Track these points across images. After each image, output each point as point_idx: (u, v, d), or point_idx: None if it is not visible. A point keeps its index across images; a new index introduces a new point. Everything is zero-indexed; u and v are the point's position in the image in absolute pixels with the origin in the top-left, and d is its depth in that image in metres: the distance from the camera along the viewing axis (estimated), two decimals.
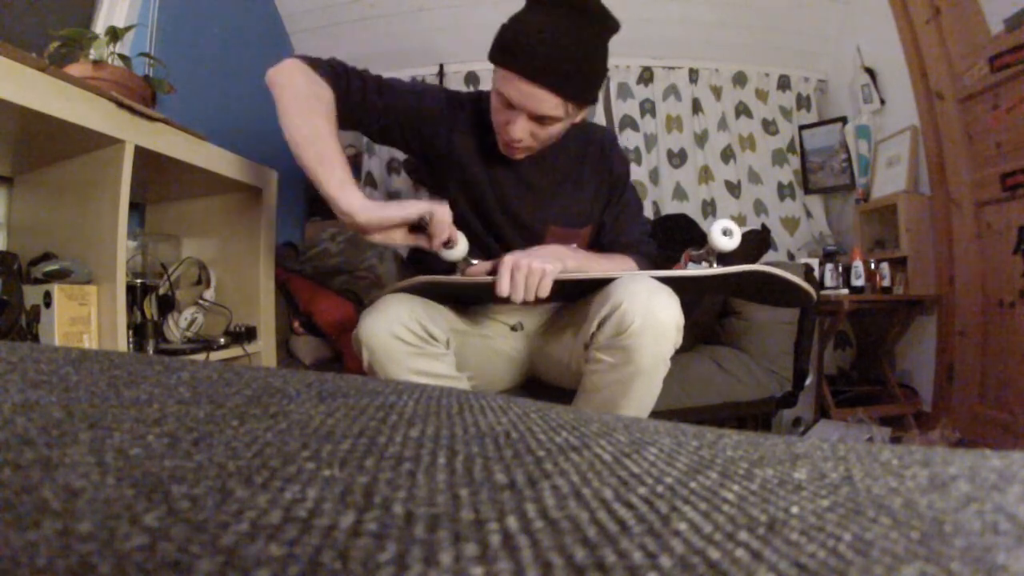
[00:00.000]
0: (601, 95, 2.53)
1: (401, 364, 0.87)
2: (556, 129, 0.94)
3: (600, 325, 0.84)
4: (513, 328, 1.12)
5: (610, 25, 0.88)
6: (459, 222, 0.95)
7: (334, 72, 0.97)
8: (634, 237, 1.11)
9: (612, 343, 0.83)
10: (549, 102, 0.87)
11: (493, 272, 0.87)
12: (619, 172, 1.11)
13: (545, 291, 0.84)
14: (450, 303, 1.07)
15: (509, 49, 0.87)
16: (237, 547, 0.12)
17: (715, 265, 0.92)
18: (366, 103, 0.98)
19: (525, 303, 0.85)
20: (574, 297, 1.03)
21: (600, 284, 0.89)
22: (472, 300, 1.09)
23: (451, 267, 0.97)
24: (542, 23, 0.85)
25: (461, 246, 0.93)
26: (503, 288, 0.84)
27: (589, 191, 1.09)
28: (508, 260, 0.85)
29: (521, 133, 0.91)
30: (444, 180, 1.06)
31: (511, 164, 1.05)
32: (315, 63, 0.96)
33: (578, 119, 0.98)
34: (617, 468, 0.19)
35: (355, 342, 0.89)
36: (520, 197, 1.06)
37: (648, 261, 1.09)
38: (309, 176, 0.87)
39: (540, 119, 0.90)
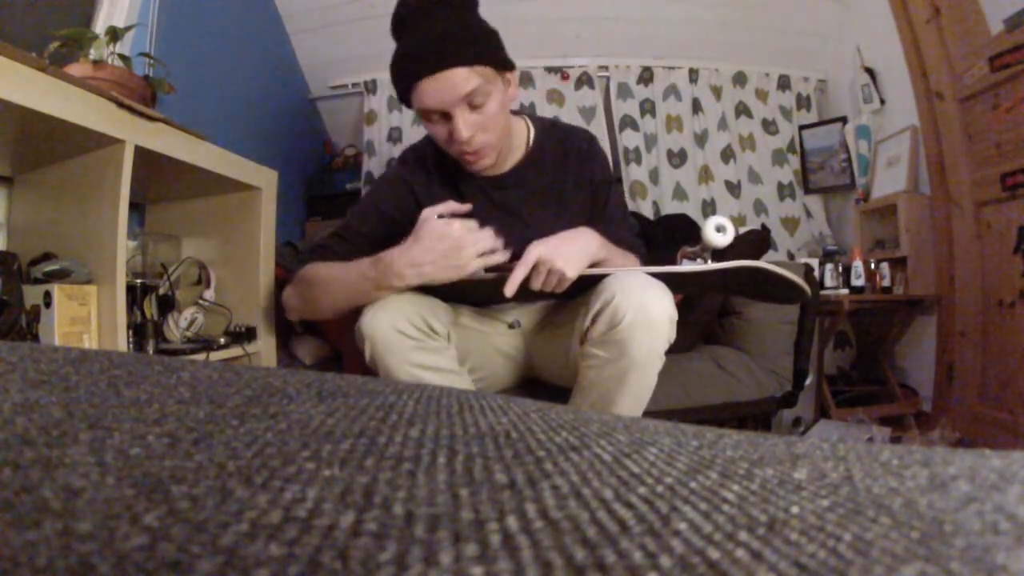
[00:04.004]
0: (601, 95, 2.53)
1: (402, 357, 0.88)
2: (494, 106, 0.90)
3: (594, 320, 0.85)
4: (511, 326, 1.12)
5: (456, 3, 0.90)
6: None
7: (303, 262, 1.04)
8: (625, 241, 1.08)
9: (606, 338, 0.84)
10: (460, 77, 0.86)
11: (511, 264, 0.86)
12: (600, 178, 1.08)
13: (559, 291, 0.85)
14: (449, 300, 1.07)
15: (398, 75, 0.91)
16: (237, 547, 0.12)
17: (709, 261, 0.92)
18: (363, 241, 1.03)
19: (524, 298, 0.86)
20: (571, 295, 1.03)
21: (596, 280, 0.89)
22: (470, 300, 1.09)
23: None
24: (406, 42, 0.91)
25: None
26: (517, 277, 0.82)
27: (574, 209, 1.06)
28: (534, 252, 0.83)
29: (466, 130, 0.89)
30: None
31: (488, 195, 1.03)
32: (292, 279, 1.05)
33: (511, 92, 0.95)
34: (617, 468, 0.19)
35: (357, 335, 0.90)
36: (502, 227, 1.02)
37: (640, 260, 1.09)
38: (356, 299, 0.92)
39: (472, 104, 0.89)
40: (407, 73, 0.89)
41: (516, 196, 1.04)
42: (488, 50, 0.90)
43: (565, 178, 1.06)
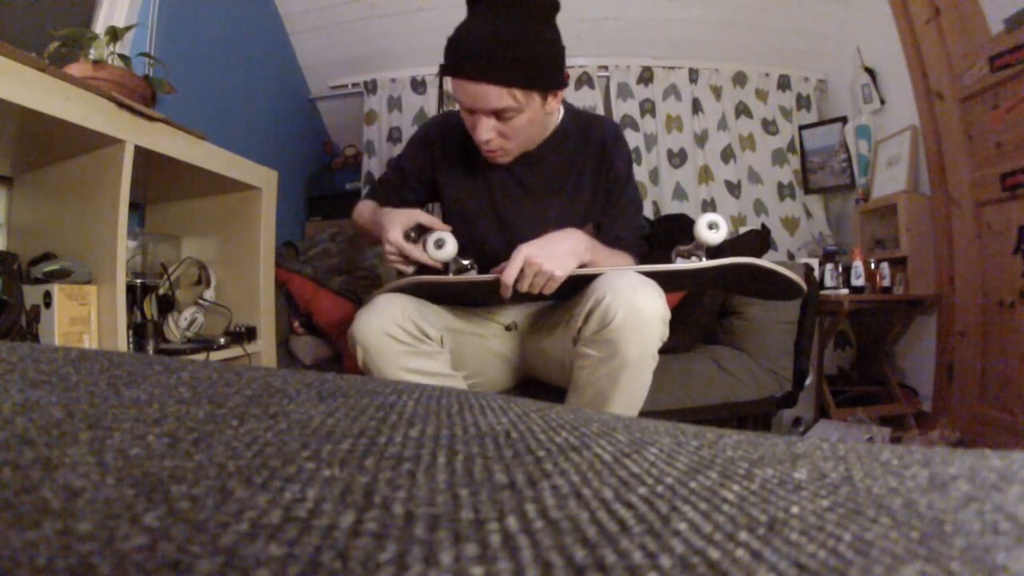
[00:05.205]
0: (601, 95, 2.53)
1: (394, 362, 0.88)
2: (522, 121, 0.90)
3: (586, 319, 0.85)
4: (507, 328, 1.12)
5: (538, 6, 0.87)
6: (456, 234, 0.97)
7: (372, 191, 1.19)
8: (629, 238, 1.09)
9: (597, 337, 0.84)
10: (493, 94, 0.86)
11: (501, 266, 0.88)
12: (619, 171, 1.06)
13: (548, 291, 0.86)
14: (444, 303, 1.07)
15: (448, 57, 0.88)
16: (237, 547, 0.12)
17: (703, 259, 0.92)
18: (394, 194, 1.14)
19: (518, 299, 0.87)
20: (568, 294, 1.03)
21: (589, 281, 0.89)
22: (464, 301, 1.09)
23: (442, 269, 0.98)
24: (470, 24, 0.87)
25: (450, 246, 0.94)
26: (509, 277, 0.84)
27: (587, 192, 1.06)
28: (523, 253, 0.85)
29: (487, 133, 0.90)
30: (444, 200, 1.12)
31: (506, 169, 1.04)
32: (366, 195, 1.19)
33: (551, 106, 0.95)
34: (617, 468, 0.19)
35: (350, 341, 0.90)
36: (515, 204, 1.05)
37: (640, 262, 1.09)
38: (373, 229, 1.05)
39: (499, 115, 0.89)
40: (451, 62, 0.88)
41: (533, 173, 1.05)
42: (537, 74, 0.87)
43: (584, 164, 1.05)
